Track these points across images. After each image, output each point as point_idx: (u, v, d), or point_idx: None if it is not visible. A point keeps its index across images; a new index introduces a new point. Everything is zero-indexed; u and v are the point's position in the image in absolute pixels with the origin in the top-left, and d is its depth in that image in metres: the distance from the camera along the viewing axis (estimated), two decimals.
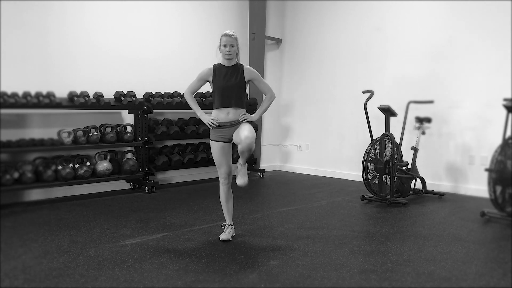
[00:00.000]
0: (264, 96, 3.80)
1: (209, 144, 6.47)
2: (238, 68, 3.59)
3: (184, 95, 3.72)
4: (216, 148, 3.61)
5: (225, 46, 3.52)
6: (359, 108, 5.71)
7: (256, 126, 3.62)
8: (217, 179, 3.79)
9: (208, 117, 3.60)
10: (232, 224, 3.76)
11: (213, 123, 3.55)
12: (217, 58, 3.63)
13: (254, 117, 3.67)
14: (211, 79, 3.59)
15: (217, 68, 3.59)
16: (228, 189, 3.69)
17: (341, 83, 6.95)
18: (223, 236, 3.66)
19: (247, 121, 3.57)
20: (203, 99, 6.18)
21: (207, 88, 6.84)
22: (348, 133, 6.87)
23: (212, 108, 3.65)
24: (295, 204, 5.13)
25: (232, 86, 3.54)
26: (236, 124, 3.57)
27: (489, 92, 5.38)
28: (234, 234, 3.75)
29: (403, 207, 4.97)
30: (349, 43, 6.84)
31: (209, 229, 3.98)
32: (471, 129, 5.57)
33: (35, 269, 2.99)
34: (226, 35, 3.54)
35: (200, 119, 3.67)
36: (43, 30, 5.19)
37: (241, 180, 3.55)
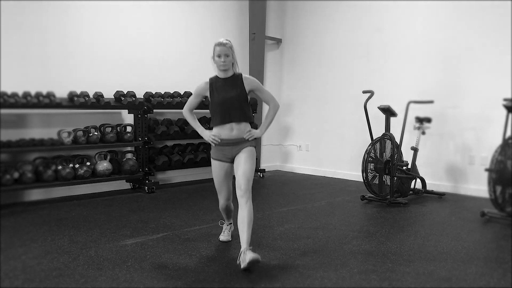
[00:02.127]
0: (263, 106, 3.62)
1: (209, 144, 6.49)
2: (237, 78, 3.27)
3: (183, 113, 3.45)
4: (217, 169, 3.34)
5: (219, 56, 3.18)
6: (359, 108, 5.71)
7: (256, 145, 3.38)
8: None
9: (209, 133, 3.31)
10: (231, 222, 3.68)
11: (215, 140, 3.26)
12: (211, 64, 3.29)
13: (259, 132, 3.37)
14: (208, 94, 3.30)
15: (214, 82, 3.28)
16: (228, 205, 3.51)
17: (341, 83, 6.95)
18: (222, 237, 3.64)
19: (253, 139, 3.30)
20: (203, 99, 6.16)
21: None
22: (348, 133, 6.86)
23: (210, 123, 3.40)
24: (295, 204, 5.13)
25: (233, 98, 3.22)
26: (240, 142, 3.27)
27: (489, 92, 5.38)
28: (233, 229, 3.69)
29: (403, 207, 4.97)
30: (349, 43, 6.84)
31: (209, 229, 3.98)
32: (471, 129, 5.58)
33: (35, 269, 2.99)
34: (219, 44, 3.17)
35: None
36: (43, 30, 5.19)
37: (250, 255, 2.94)
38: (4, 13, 4.88)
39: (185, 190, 5.86)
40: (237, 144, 3.27)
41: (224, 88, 3.25)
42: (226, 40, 3.22)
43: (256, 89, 3.35)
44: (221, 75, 3.27)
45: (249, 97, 3.35)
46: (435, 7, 5.87)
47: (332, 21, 7.06)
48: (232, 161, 3.31)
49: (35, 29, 5.13)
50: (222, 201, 3.47)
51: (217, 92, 3.25)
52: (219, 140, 3.26)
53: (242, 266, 2.94)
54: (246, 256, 2.94)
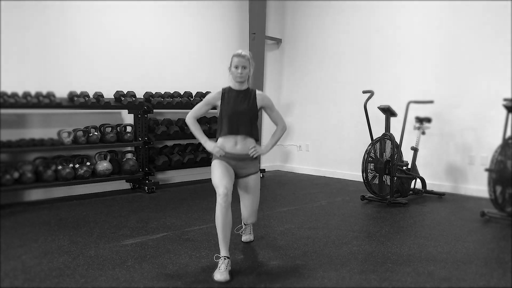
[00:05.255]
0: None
1: None
2: (250, 93, 3.22)
3: (186, 120, 3.28)
4: (217, 163, 3.15)
5: (236, 67, 3.12)
6: (359, 108, 5.71)
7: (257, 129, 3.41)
8: None
9: (213, 144, 3.18)
10: (229, 256, 2.98)
11: (220, 152, 3.13)
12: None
13: (264, 150, 3.28)
14: (219, 103, 3.20)
15: (227, 92, 3.20)
16: (227, 211, 2.96)
17: (341, 83, 6.95)
18: (218, 276, 2.84)
19: (256, 156, 3.21)
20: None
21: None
22: (348, 133, 6.87)
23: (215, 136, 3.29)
24: (295, 204, 5.13)
25: (242, 111, 3.15)
26: (244, 159, 3.19)
27: (489, 92, 5.38)
28: (230, 269, 2.95)
29: (403, 207, 4.97)
30: (349, 43, 6.85)
31: (209, 229, 3.98)
32: (471, 129, 5.58)
33: (35, 269, 2.99)
34: (238, 55, 3.11)
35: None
36: (43, 30, 5.19)
37: (247, 236, 3.64)
38: (4, 13, 4.88)
39: (185, 190, 5.86)
40: (242, 160, 3.20)
41: (236, 100, 3.18)
42: (245, 52, 3.17)
43: (267, 106, 3.29)
44: (236, 86, 3.21)
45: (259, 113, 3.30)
46: (435, 7, 5.87)
47: (332, 21, 7.06)
48: (234, 170, 3.20)
49: (35, 29, 5.13)
50: (220, 193, 2.96)
51: (229, 102, 3.17)
52: (224, 153, 3.15)
53: (242, 239, 3.64)
54: (243, 236, 3.64)
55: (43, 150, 4.95)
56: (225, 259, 2.93)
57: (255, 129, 3.24)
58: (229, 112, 3.15)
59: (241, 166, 3.21)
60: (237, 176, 3.24)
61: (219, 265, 2.91)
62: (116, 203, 5.07)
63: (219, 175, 3.06)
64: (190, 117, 3.28)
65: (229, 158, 3.17)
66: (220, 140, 3.21)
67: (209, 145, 3.19)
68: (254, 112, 3.21)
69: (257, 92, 3.27)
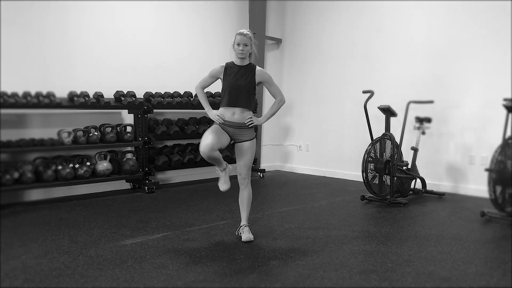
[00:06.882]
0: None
1: None
2: (250, 68, 3.56)
3: (195, 89, 3.70)
4: (214, 127, 3.52)
5: (238, 45, 3.48)
6: (359, 108, 5.71)
7: (257, 129, 3.55)
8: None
9: (215, 112, 3.58)
10: (225, 166, 3.61)
11: (220, 119, 3.53)
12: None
13: (260, 120, 3.67)
14: (222, 76, 3.58)
15: (229, 67, 3.57)
16: (210, 154, 3.39)
17: (341, 83, 6.95)
18: (221, 186, 3.61)
19: (253, 125, 3.58)
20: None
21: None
22: (348, 133, 6.87)
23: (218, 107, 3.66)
24: (295, 204, 5.13)
25: (241, 86, 3.51)
26: (241, 127, 3.55)
27: (489, 92, 5.38)
28: (230, 171, 3.66)
29: (403, 207, 4.97)
30: (349, 43, 6.84)
31: (209, 229, 3.98)
32: (471, 129, 5.58)
33: (35, 269, 2.99)
34: (240, 34, 3.49)
35: (207, 114, 3.68)
36: (43, 30, 5.19)
37: (247, 236, 3.63)
38: (4, 13, 4.88)
39: (185, 190, 5.86)
40: (239, 128, 3.55)
41: (237, 74, 3.53)
42: (247, 31, 3.52)
43: (266, 81, 3.62)
44: (238, 62, 3.55)
45: (257, 88, 3.63)
46: (435, 7, 5.87)
47: (332, 21, 7.06)
48: (230, 137, 3.57)
49: (35, 29, 5.13)
50: (203, 146, 3.36)
51: (230, 76, 3.54)
52: (223, 120, 3.53)
53: (242, 239, 3.61)
54: (243, 235, 3.63)
55: (43, 150, 4.95)
56: (222, 170, 3.59)
57: (252, 101, 3.60)
58: (230, 85, 3.52)
59: (238, 133, 3.56)
60: (235, 141, 3.61)
61: (219, 176, 3.61)
62: (116, 203, 5.07)
63: (209, 131, 3.46)
64: (198, 86, 3.70)
65: (227, 126, 3.54)
66: (221, 109, 3.59)
67: (211, 113, 3.60)
68: (252, 87, 3.56)
69: (257, 68, 3.59)
